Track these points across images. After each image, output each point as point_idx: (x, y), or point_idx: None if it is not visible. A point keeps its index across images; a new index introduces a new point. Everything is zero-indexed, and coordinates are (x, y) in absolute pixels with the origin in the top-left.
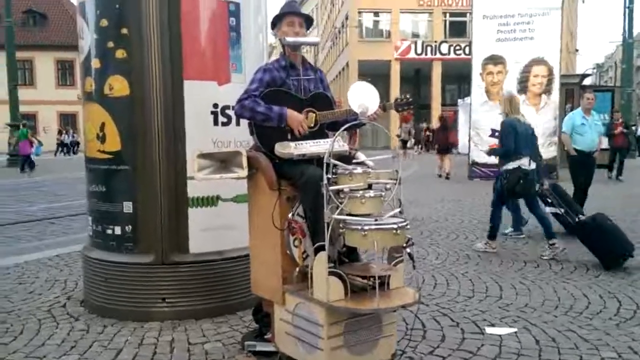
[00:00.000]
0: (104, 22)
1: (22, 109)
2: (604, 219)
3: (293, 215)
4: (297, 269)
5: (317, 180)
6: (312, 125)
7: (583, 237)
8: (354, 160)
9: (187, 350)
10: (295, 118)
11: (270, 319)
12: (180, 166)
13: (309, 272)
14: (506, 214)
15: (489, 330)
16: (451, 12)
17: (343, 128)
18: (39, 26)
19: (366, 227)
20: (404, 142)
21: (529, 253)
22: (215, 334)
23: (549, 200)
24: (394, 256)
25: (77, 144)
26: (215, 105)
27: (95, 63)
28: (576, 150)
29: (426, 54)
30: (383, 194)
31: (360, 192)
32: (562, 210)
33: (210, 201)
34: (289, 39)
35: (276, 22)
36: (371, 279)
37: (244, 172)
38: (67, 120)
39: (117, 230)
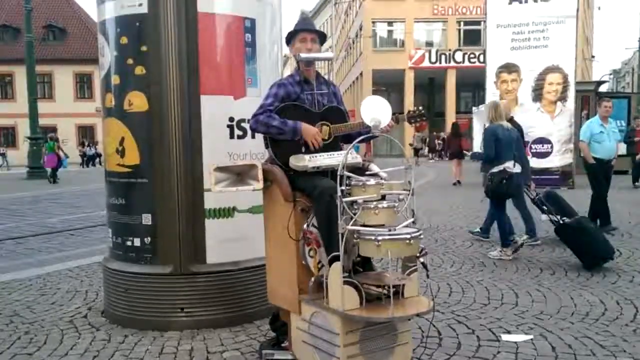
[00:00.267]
0: (124, 40)
1: (42, 121)
2: (587, 222)
3: (308, 226)
4: (313, 279)
5: (331, 192)
6: (326, 138)
7: (566, 239)
8: (367, 172)
9: (207, 358)
10: (310, 131)
11: (287, 327)
12: (197, 178)
13: (325, 282)
14: (517, 222)
15: (504, 337)
16: (465, 20)
17: (357, 141)
18: (58, 40)
19: (380, 238)
20: (416, 150)
21: (544, 260)
22: (234, 342)
23: (545, 208)
24: (408, 265)
25: (100, 155)
26: (231, 119)
27: (115, 79)
28: (595, 158)
29: (440, 63)
30: (396, 204)
31: (374, 203)
32: (558, 217)
33: (226, 212)
34: (303, 55)
35: (290, 39)
36: (386, 288)
37: (260, 185)
38: (85, 133)
39: (137, 241)
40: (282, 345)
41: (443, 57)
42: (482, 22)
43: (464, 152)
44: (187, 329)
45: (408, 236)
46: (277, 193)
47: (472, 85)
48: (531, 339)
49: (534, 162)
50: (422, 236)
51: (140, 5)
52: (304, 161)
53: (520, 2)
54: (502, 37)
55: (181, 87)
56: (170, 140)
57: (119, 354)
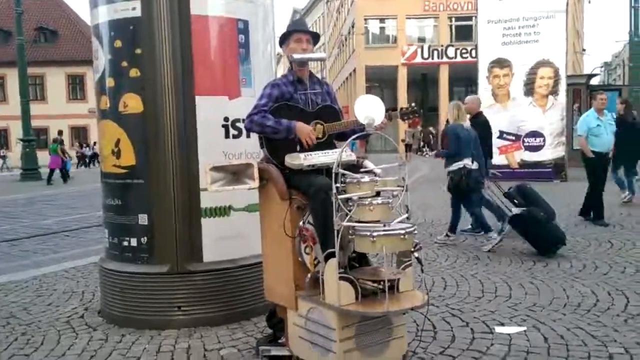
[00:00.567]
0: (118, 43)
1: (34, 123)
2: (537, 212)
3: (304, 223)
4: (309, 275)
5: (326, 189)
6: (321, 136)
7: (519, 229)
8: (362, 169)
9: (204, 356)
10: (304, 129)
11: (284, 324)
12: (193, 178)
13: (321, 278)
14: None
15: (498, 329)
16: (456, 16)
17: (351, 139)
18: (49, 42)
19: (375, 233)
20: (407, 146)
21: (537, 253)
22: (231, 340)
23: (516, 202)
24: (403, 260)
25: (97, 155)
26: (226, 119)
27: (109, 82)
28: (593, 152)
29: (433, 58)
30: (390, 200)
31: (369, 199)
32: (543, 214)
33: (222, 211)
34: (297, 56)
35: (284, 40)
36: (381, 282)
37: (256, 184)
38: (78, 134)
39: (133, 241)
40: (279, 341)
41: (435, 52)
42: (474, 18)
43: None
44: (184, 328)
45: (402, 231)
46: (273, 191)
47: (464, 80)
48: (524, 331)
49: (527, 156)
50: (416, 231)
51: (134, 9)
52: (299, 160)
53: None
54: (493, 33)
55: (176, 88)
56: (165, 141)
57: (116, 353)
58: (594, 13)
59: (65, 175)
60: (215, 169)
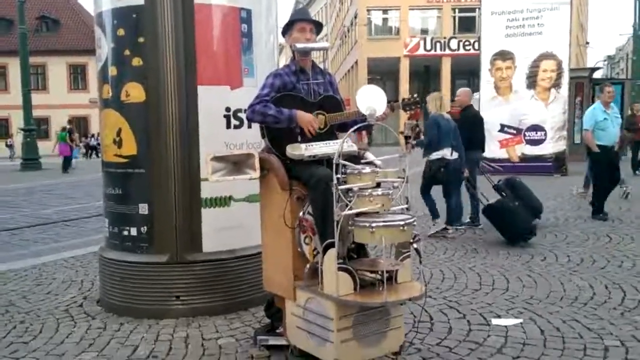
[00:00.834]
0: (121, 32)
1: (35, 113)
2: (508, 202)
3: (304, 214)
4: (308, 266)
5: (327, 180)
6: (322, 126)
7: (491, 218)
8: (363, 160)
9: (202, 345)
10: (305, 118)
11: (282, 314)
12: (194, 168)
13: (320, 268)
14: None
15: (495, 321)
16: (460, 8)
17: (352, 129)
18: (51, 32)
19: (374, 224)
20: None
21: (535, 246)
22: (229, 329)
23: (504, 194)
24: (401, 251)
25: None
26: (228, 109)
27: (112, 71)
28: (599, 146)
29: (435, 50)
30: (391, 192)
31: (369, 190)
32: (517, 204)
33: (223, 201)
34: (299, 45)
35: (287, 29)
36: (379, 273)
37: (257, 174)
38: (79, 124)
39: (133, 231)
40: (277, 331)
41: (438, 44)
42: (477, 9)
43: None
44: (182, 317)
45: (402, 223)
46: (274, 182)
47: (467, 73)
48: (520, 323)
49: (528, 150)
50: (415, 223)
51: None
52: (300, 150)
53: None
54: (496, 24)
55: (178, 77)
56: (167, 131)
57: (114, 341)
58: (598, 6)
59: (66, 165)
60: (217, 158)
